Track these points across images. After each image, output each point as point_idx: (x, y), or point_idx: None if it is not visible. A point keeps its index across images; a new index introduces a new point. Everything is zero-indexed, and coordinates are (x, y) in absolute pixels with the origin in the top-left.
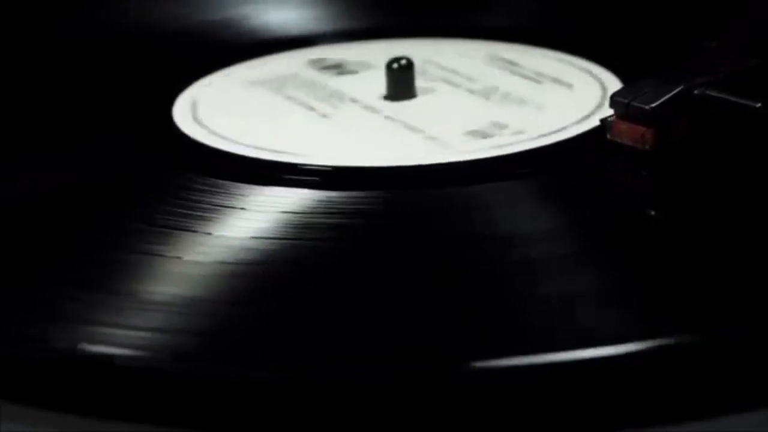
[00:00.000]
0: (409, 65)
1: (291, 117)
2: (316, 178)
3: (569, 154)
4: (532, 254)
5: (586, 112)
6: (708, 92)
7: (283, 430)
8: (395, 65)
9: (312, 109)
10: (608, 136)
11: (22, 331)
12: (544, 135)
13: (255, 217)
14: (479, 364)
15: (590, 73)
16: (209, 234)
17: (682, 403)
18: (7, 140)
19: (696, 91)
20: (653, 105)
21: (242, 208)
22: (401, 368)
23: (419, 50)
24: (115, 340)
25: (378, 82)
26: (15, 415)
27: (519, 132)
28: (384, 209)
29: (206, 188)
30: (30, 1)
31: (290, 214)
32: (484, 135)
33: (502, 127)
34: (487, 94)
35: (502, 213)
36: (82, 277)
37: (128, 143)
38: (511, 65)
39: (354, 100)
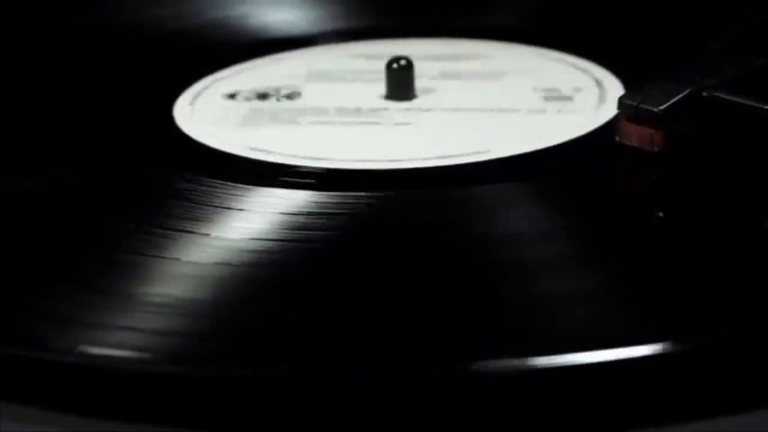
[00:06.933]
0: (409, 65)
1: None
2: (314, 180)
3: (571, 155)
4: (536, 256)
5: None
6: (716, 94)
7: (282, 430)
8: (395, 65)
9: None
10: (617, 138)
11: (22, 331)
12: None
13: (254, 218)
14: (478, 364)
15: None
16: (207, 235)
17: (682, 403)
18: (7, 140)
19: (704, 93)
20: (662, 107)
21: (241, 209)
22: (400, 368)
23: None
24: (113, 341)
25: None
26: (15, 415)
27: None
28: (383, 211)
29: (205, 189)
30: (30, 1)
31: (289, 215)
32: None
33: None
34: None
35: (502, 214)
36: (82, 277)
37: (128, 143)
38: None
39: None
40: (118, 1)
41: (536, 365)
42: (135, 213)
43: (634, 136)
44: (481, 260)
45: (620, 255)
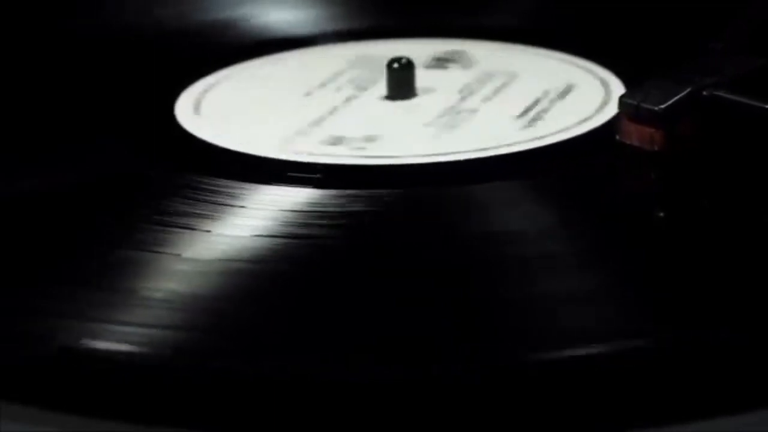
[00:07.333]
0: (409, 65)
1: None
2: (317, 176)
3: (572, 154)
4: (535, 255)
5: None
6: (717, 93)
7: (282, 428)
8: (395, 65)
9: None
10: (617, 137)
11: (22, 331)
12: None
13: (255, 215)
14: (477, 365)
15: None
16: (209, 231)
17: (682, 403)
18: (7, 140)
19: (705, 92)
20: (663, 106)
21: (242, 206)
22: (400, 368)
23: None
24: (114, 337)
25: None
26: (15, 415)
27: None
28: (383, 208)
29: (206, 186)
30: (31, 1)
31: (290, 213)
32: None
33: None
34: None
35: (502, 213)
36: (82, 274)
37: (128, 143)
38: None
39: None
40: (118, 1)
41: (536, 365)
42: (135, 213)
43: (635, 135)
44: (481, 260)
45: (620, 255)
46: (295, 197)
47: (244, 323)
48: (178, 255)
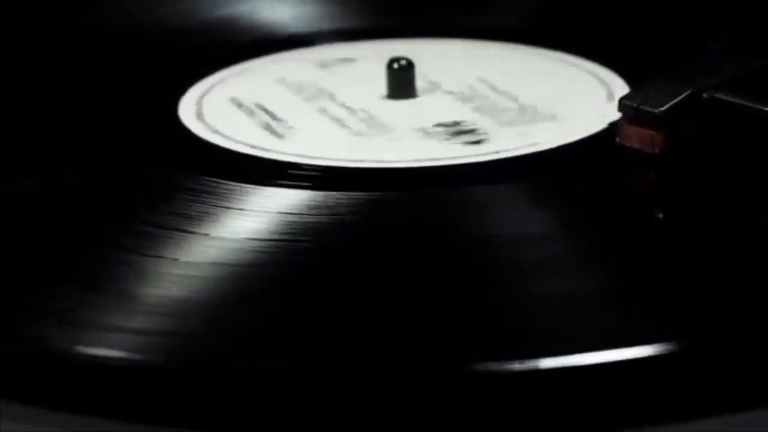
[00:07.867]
0: (409, 65)
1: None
2: (317, 174)
3: (574, 156)
4: (536, 256)
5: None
6: (717, 95)
7: (282, 429)
8: (395, 65)
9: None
10: (617, 139)
11: (22, 331)
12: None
13: (253, 218)
14: (477, 365)
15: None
16: (207, 235)
17: (682, 403)
18: (7, 140)
19: (705, 94)
20: (663, 108)
21: (241, 209)
22: (400, 368)
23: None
24: (111, 342)
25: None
26: (15, 415)
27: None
28: (382, 210)
29: (205, 188)
30: (31, 1)
31: (288, 215)
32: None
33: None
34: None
35: (503, 215)
36: (82, 277)
37: (128, 143)
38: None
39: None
40: (118, 1)
41: (537, 366)
42: (135, 213)
43: (635, 137)
44: (481, 260)
45: (620, 255)
46: (294, 199)
47: (242, 326)
48: (176, 259)
